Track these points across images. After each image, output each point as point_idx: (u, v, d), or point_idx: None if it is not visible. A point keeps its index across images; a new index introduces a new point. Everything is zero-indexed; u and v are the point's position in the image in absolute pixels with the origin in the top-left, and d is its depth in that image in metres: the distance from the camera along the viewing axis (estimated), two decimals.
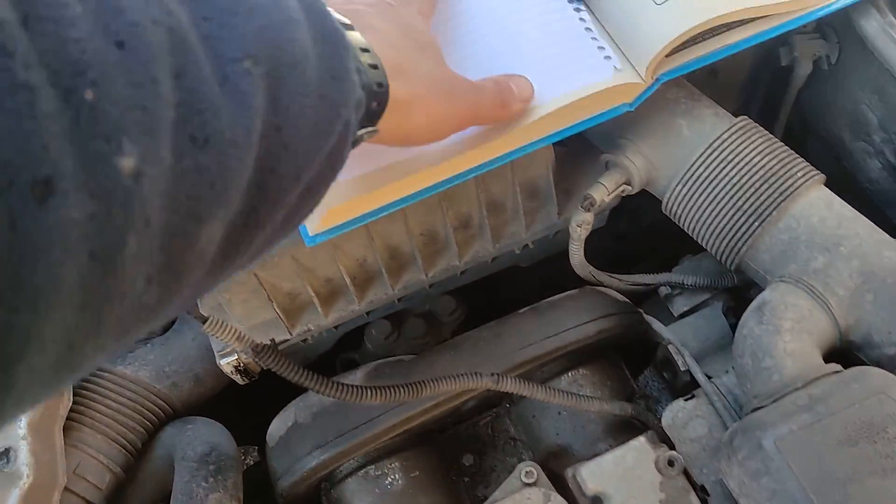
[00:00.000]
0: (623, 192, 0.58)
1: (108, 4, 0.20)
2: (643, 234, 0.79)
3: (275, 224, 0.27)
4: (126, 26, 0.20)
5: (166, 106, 0.21)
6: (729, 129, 0.55)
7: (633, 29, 0.53)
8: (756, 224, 0.53)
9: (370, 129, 0.36)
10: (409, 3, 0.46)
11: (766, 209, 0.52)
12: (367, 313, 0.65)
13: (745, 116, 0.56)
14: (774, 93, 0.69)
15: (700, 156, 0.54)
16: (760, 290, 0.56)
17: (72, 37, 0.19)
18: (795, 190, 0.52)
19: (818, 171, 0.54)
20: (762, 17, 0.53)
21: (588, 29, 0.52)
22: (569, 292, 0.60)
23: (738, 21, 0.53)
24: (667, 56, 0.52)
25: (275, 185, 0.26)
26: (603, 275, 0.61)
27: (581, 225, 0.57)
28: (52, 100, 0.18)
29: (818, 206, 0.52)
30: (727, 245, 0.54)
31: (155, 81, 0.21)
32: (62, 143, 0.18)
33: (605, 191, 0.56)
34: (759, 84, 0.71)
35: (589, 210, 0.56)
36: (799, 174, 0.53)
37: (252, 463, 0.79)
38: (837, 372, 0.47)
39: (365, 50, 0.35)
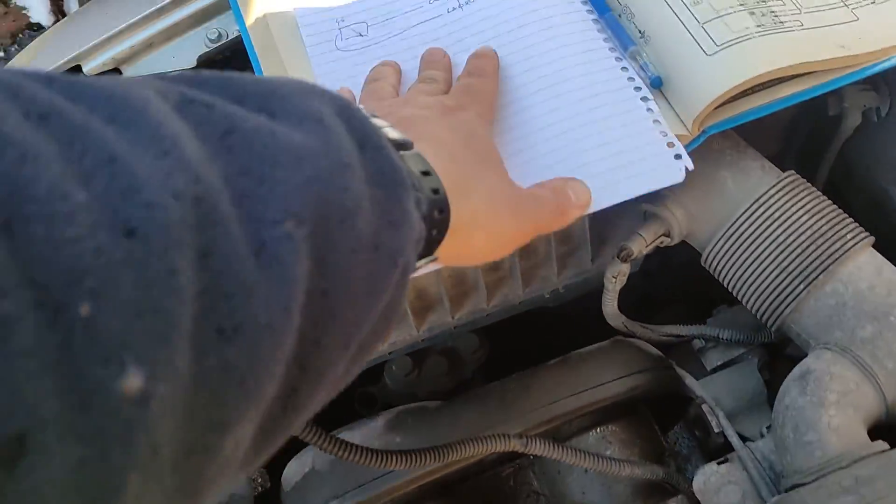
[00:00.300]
0: (661, 243, 0.56)
1: (120, 183, 0.17)
2: (673, 273, 0.77)
3: (318, 401, 0.24)
4: (140, 209, 0.17)
5: (187, 300, 0.17)
6: (775, 185, 0.52)
7: (681, 78, 0.51)
8: (801, 287, 0.50)
9: (428, 258, 0.32)
10: (468, 105, 0.43)
11: (812, 272, 0.50)
12: (389, 352, 0.64)
13: (793, 171, 0.54)
14: (818, 138, 0.67)
15: (745, 212, 0.52)
16: (798, 347, 0.54)
17: (67, 236, 0.15)
18: (844, 253, 0.50)
19: (867, 233, 0.52)
20: (816, 72, 0.51)
21: (657, 121, 0.48)
22: (599, 344, 0.58)
23: (790, 75, 0.51)
24: (715, 108, 0.50)
25: (319, 360, 0.23)
26: (636, 325, 0.59)
27: (616, 276, 0.55)
28: (35, 329, 0.15)
29: (867, 270, 0.50)
30: (769, 306, 0.52)
31: (173, 273, 0.17)
32: (43, 383, 0.15)
33: (643, 242, 0.54)
34: (801, 128, 0.69)
35: (625, 261, 0.55)
36: (848, 236, 0.51)
37: (260, 490, 0.77)
38: (884, 451, 0.45)
39: (426, 173, 0.31)
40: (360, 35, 0.55)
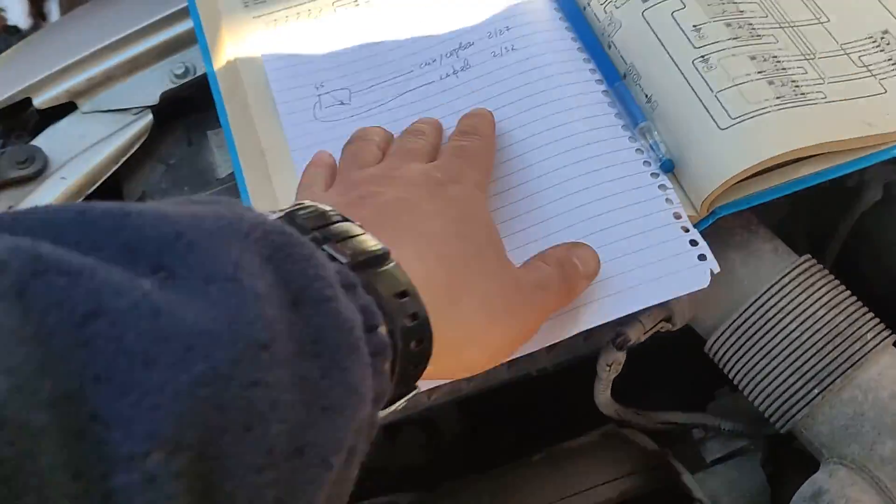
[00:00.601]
0: (662, 328, 0.50)
1: None
2: (668, 339, 0.72)
3: None
4: None
5: None
6: (790, 273, 0.47)
7: (691, 153, 0.46)
8: (816, 391, 0.45)
9: (403, 400, 0.27)
10: (461, 175, 0.37)
11: (828, 375, 0.45)
12: None
13: (808, 256, 0.49)
14: (829, 206, 0.62)
15: (755, 301, 0.47)
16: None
17: None
18: (864, 356, 0.45)
19: (889, 331, 0.47)
20: (841, 151, 0.46)
21: (677, 216, 0.44)
22: (589, 437, 0.53)
23: (811, 154, 0.46)
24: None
25: None
26: (629, 412, 0.54)
27: (611, 365, 0.50)
28: None
29: (889, 377, 0.45)
30: (780, 407, 0.47)
31: None
32: None
33: (641, 329, 0.49)
34: (812, 195, 0.64)
35: (622, 349, 0.49)
36: (869, 335, 0.46)
37: None
38: None
39: (402, 294, 0.26)
40: (342, 104, 0.50)
